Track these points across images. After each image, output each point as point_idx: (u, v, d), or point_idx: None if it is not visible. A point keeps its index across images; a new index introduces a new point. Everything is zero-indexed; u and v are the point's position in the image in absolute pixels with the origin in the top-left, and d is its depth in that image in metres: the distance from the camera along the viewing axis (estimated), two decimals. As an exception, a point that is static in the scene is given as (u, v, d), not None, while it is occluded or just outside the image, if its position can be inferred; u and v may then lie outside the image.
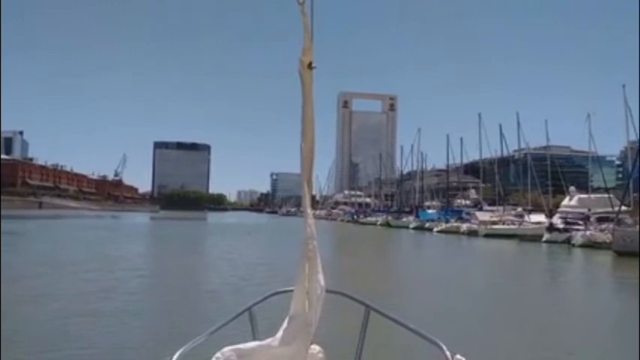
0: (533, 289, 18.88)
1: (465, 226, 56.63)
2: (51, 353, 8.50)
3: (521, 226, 50.87)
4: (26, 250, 26.51)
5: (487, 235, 49.79)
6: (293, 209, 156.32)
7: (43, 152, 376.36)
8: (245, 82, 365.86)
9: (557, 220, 46.47)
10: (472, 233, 53.53)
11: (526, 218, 53.79)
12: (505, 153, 68.09)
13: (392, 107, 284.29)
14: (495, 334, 10.66)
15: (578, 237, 38.92)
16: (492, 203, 66.23)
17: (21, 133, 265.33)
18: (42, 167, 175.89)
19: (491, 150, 72.05)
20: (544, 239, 42.32)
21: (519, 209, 58.32)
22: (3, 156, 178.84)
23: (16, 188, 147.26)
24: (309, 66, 2.13)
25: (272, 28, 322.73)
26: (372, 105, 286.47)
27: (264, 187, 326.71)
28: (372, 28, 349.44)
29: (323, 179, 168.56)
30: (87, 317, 10.89)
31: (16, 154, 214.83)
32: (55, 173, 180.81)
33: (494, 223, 53.68)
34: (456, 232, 56.20)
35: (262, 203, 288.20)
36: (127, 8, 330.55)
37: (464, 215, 62.96)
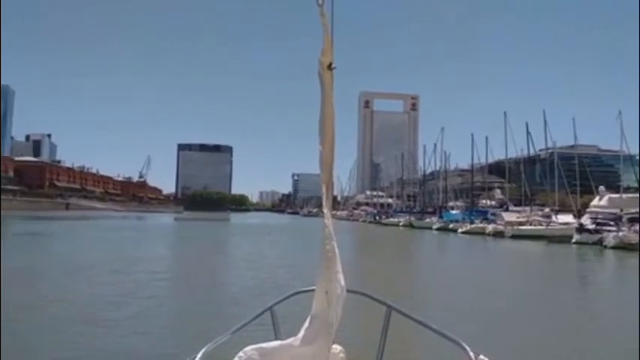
0: (563, 291, 18.14)
1: (490, 227, 55.38)
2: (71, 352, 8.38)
3: (549, 227, 49.57)
4: (49, 252, 26.75)
5: (514, 236, 48.61)
6: (314, 210, 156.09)
7: (70, 155, 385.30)
8: (267, 83, 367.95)
9: (586, 221, 45.08)
10: (498, 234, 52.33)
11: (554, 219, 52.39)
12: (532, 152, 66.52)
13: (414, 107, 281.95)
14: (521, 337, 10.31)
15: (610, 238, 37.64)
16: (518, 204, 64.81)
17: (49, 136, 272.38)
18: (69, 169, 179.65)
19: (517, 149, 70.60)
20: (574, 240, 41.07)
21: (547, 210, 56.86)
22: (32, 158, 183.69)
23: (44, 190, 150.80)
24: (329, 67, 2.13)
25: (293, 29, 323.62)
26: (393, 105, 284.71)
27: (286, 188, 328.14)
28: (393, 28, 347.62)
29: (344, 180, 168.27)
30: (107, 316, 10.77)
31: (45, 156, 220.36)
32: (82, 175, 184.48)
33: (520, 223, 52.45)
34: (481, 233, 55.00)
35: (284, 204, 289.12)
36: (150, 12, 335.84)
37: (489, 216, 61.66)
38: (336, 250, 2.20)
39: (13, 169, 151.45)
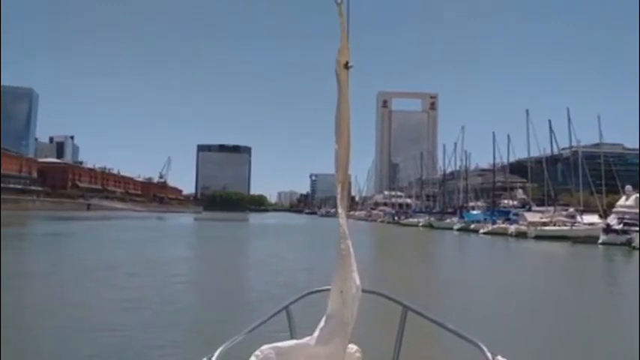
0: (590, 293, 17.48)
1: (512, 228, 54.20)
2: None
3: (574, 228, 48.29)
4: (66, 253, 26.86)
5: (537, 237, 47.48)
6: (332, 210, 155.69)
7: (91, 155, 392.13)
8: (286, 84, 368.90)
9: (613, 221, 43.81)
10: (521, 235, 51.18)
11: (578, 219, 51.06)
12: (555, 150, 65.03)
13: (432, 106, 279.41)
14: (541, 338, 9.94)
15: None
16: (540, 204, 63.44)
17: (72, 137, 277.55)
18: (91, 170, 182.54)
19: (540, 148, 69.11)
20: (600, 241, 39.91)
21: (571, 209, 55.46)
22: (55, 159, 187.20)
23: (66, 190, 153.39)
24: (346, 65, 2.14)
25: (313, 29, 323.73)
26: (411, 104, 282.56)
27: (304, 188, 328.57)
28: (411, 26, 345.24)
29: (362, 180, 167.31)
30: (125, 315, 10.61)
31: (68, 157, 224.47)
32: (103, 176, 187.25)
33: (544, 224, 51.22)
34: (503, 233, 53.87)
35: (302, 204, 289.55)
36: (169, 13, 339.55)
37: (511, 216, 60.41)
38: (351, 250, 2.19)
39: (37, 170, 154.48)
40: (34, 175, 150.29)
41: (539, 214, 55.45)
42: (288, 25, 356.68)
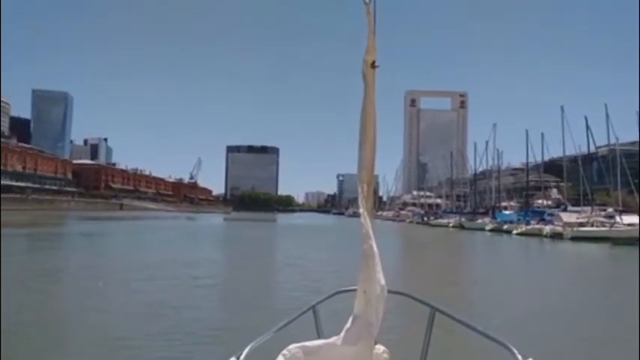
0: (629, 297, 16.42)
1: (548, 228, 52.32)
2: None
3: (613, 228, 46.37)
4: (95, 252, 27.11)
5: (574, 238, 45.71)
6: (359, 211, 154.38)
7: (124, 157, 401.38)
8: (312, 84, 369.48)
9: (656, 222, 41.85)
10: (556, 236, 49.37)
11: (617, 219, 49.00)
12: (592, 148, 62.68)
13: (462, 104, 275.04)
14: (573, 343, 9.63)
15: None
16: (575, 204, 61.28)
17: (105, 139, 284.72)
18: (123, 171, 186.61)
19: (575, 146, 66.76)
20: (642, 242, 38.06)
21: (609, 209, 53.33)
22: (89, 161, 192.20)
23: (99, 191, 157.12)
24: (373, 65, 2.14)
25: (338, 29, 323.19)
26: (440, 103, 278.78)
27: (331, 189, 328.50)
28: (440, 24, 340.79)
29: (390, 180, 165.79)
30: (150, 314, 10.37)
31: (101, 159, 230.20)
32: (135, 177, 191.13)
33: (581, 224, 49.33)
34: (537, 234, 52.08)
35: (329, 204, 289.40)
36: (202, 16, 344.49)
37: (546, 216, 58.44)
38: (375, 250, 2.18)
39: (72, 171, 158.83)
40: (69, 176, 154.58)
41: (576, 215, 53.45)
42: (315, 25, 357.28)
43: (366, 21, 2.09)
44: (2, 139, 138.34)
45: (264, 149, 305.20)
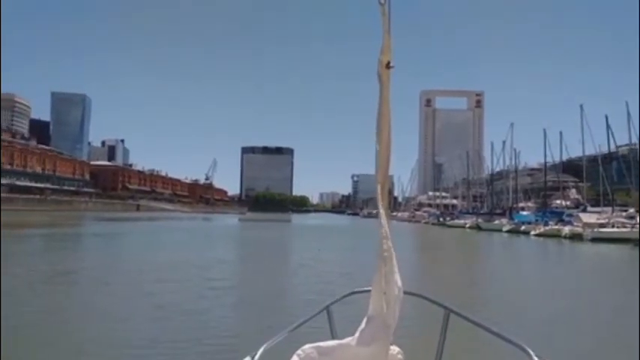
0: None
1: (567, 229, 51.27)
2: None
3: (635, 229, 45.25)
4: (108, 253, 27.22)
5: (594, 239, 44.77)
6: (374, 211, 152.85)
7: (141, 158, 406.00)
8: (327, 85, 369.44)
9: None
10: (576, 237, 48.38)
11: (639, 220, 47.82)
12: (612, 147, 61.36)
13: (478, 104, 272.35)
14: (591, 346, 9.41)
15: None
16: (595, 204, 60.02)
17: (122, 141, 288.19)
18: (140, 172, 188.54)
19: (595, 145, 65.50)
20: (665, 244, 37.08)
21: (631, 210, 52.11)
22: (106, 162, 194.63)
23: (117, 192, 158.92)
24: (387, 65, 2.15)
25: (354, 29, 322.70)
26: (456, 102, 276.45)
27: (346, 189, 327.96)
28: (455, 24, 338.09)
29: (405, 180, 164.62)
30: (163, 315, 10.26)
31: (118, 160, 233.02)
32: (152, 178, 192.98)
33: (601, 225, 48.26)
34: (556, 235, 51.09)
35: (343, 205, 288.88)
36: (219, 20, 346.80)
37: (565, 217, 57.35)
38: (393, 251, 2.18)
39: (90, 172, 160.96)
40: (87, 177, 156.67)
41: (596, 215, 52.35)
42: (329, 26, 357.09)
43: (381, 21, 2.08)
44: (22, 141, 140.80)
45: (278, 150, 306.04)
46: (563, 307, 13.98)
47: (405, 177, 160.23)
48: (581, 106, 62.49)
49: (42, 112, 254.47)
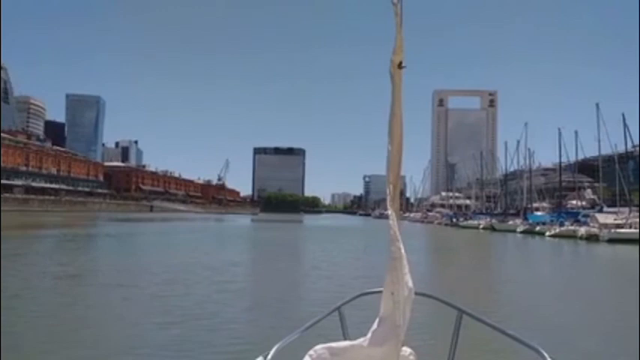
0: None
1: (583, 230, 50.43)
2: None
3: (652, 230, 44.37)
4: (120, 253, 27.29)
5: (611, 240, 44.00)
6: (386, 212, 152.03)
7: (154, 159, 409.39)
8: (339, 85, 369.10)
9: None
10: (592, 238, 47.59)
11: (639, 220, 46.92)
12: (629, 146, 60.21)
13: (492, 103, 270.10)
14: (606, 350, 9.26)
15: None
16: (611, 204, 58.98)
17: (136, 142, 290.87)
18: (153, 173, 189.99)
19: (611, 144, 64.37)
20: (684, 245, 36.27)
21: (649, 210, 51.07)
22: (120, 163, 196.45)
23: (130, 193, 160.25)
24: (400, 65, 2.15)
25: (364, 30, 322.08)
26: (469, 102, 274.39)
27: (357, 190, 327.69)
28: (467, 23, 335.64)
29: (417, 181, 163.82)
30: (172, 319, 10.16)
31: (132, 161, 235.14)
32: (165, 179, 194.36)
33: (618, 226, 47.42)
34: (572, 236, 50.29)
35: (355, 206, 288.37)
36: (231, 22, 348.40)
37: (581, 218, 56.46)
38: (403, 252, 2.18)
39: (104, 173, 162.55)
40: (101, 178, 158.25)
41: (613, 216, 51.44)
42: (341, 27, 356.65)
43: (394, 21, 2.09)
44: (38, 143, 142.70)
45: (290, 151, 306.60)
46: (579, 310, 13.75)
47: (417, 177, 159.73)
48: (597, 105, 61.51)
49: (57, 113, 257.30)
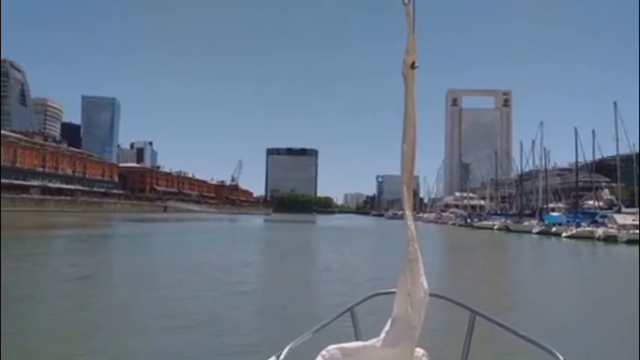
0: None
1: (600, 231, 49.53)
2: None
3: (672, 231, 43.43)
4: (132, 254, 27.42)
5: (629, 242, 43.15)
6: (399, 212, 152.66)
7: (168, 160, 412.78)
8: (351, 86, 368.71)
9: None
10: (610, 239, 46.74)
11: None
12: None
13: (506, 103, 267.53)
14: (621, 352, 9.05)
15: None
16: (630, 204, 57.88)
17: (150, 143, 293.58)
18: (167, 174, 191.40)
19: (630, 144, 63.16)
20: None
21: (668, 211, 50.01)
22: (134, 164, 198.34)
23: (145, 193, 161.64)
24: (412, 66, 2.16)
25: (377, 30, 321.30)
26: (483, 101, 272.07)
27: (370, 190, 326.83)
28: (481, 23, 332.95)
29: (431, 181, 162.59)
30: (179, 322, 10.12)
31: (147, 162, 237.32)
32: (179, 179, 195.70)
33: (637, 227, 46.53)
34: (589, 237, 49.41)
35: (368, 206, 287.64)
36: (243, 24, 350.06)
37: (598, 218, 55.47)
38: (419, 253, 2.18)
39: (118, 174, 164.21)
40: (116, 179, 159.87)
41: (631, 216, 50.47)
42: (353, 27, 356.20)
43: (406, 22, 2.08)
44: (54, 144, 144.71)
45: (303, 151, 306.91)
46: (595, 312, 13.52)
47: (430, 178, 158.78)
48: (614, 104, 60.56)
49: (73, 115, 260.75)
